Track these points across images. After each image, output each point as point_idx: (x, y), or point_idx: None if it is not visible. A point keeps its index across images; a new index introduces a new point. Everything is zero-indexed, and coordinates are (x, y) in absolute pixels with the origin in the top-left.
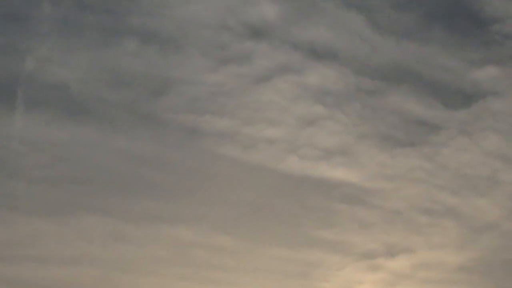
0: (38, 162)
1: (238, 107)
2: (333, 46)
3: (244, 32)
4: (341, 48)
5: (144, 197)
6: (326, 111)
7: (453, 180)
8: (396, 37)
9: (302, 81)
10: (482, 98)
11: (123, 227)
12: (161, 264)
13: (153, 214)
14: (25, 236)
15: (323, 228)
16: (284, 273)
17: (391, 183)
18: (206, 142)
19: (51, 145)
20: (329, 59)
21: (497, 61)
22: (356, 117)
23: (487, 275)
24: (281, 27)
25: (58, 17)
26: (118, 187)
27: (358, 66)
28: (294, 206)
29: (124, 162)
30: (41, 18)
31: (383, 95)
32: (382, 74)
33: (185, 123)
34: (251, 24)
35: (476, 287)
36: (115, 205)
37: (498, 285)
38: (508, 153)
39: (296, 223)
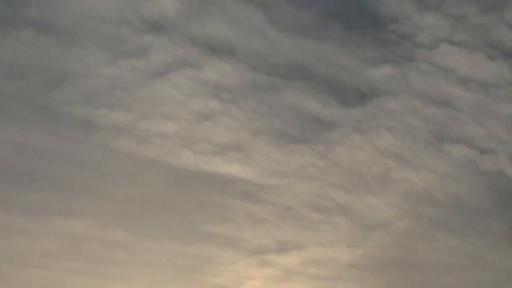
0: None
1: (134, 101)
2: (230, 42)
3: (142, 26)
4: (239, 44)
5: (36, 190)
6: (222, 107)
7: (346, 178)
8: (294, 34)
9: (199, 76)
10: (377, 97)
11: (14, 219)
12: (53, 257)
13: (46, 206)
14: None
15: (216, 223)
16: (177, 267)
17: (284, 179)
18: (102, 135)
19: None
20: (226, 54)
21: (393, 60)
22: (251, 113)
23: (377, 273)
24: (179, 22)
25: None
26: (10, 178)
27: (255, 62)
28: (188, 201)
29: (17, 154)
30: None
31: (279, 92)
32: (279, 71)
33: (81, 116)
34: (150, 18)
35: (366, 284)
36: (6, 196)
37: (387, 283)
38: (401, 152)
39: (190, 218)
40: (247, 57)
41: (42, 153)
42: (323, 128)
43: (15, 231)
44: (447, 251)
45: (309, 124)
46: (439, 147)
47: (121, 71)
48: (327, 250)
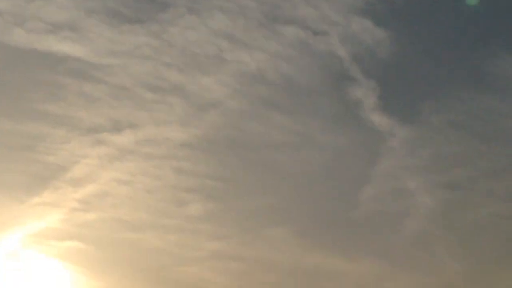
0: None
1: None
2: None
3: None
4: None
5: None
6: None
7: (180, 58)
8: None
9: None
10: None
11: None
12: None
13: None
14: None
15: (49, 102)
16: (9, 146)
17: (118, 59)
18: None
19: None
20: None
21: None
22: None
23: (210, 151)
24: None
25: None
26: None
27: None
28: (19, 79)
29: None
30: None
31: None
32: None
33: None
34: None
35: (199, 162)
36: None
37: (220, 161)
38: (234, 33)
39: (21, 96)
40: None
41: None
42: (157, 8)
43: None
44: (279, 130)
45: (143, 4)
46: (271, 28)
47: None
48: (161, 129)
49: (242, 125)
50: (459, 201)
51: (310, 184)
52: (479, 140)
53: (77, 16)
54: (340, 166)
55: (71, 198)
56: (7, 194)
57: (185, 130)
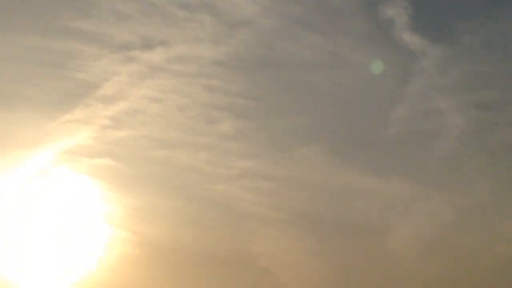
0: None
1: None
2: None
3: None
4: None
5: None
6: None
7: None
8: None
9: None
10: None
11: None
12: None
13: None
14: None
15: (80, 18)
16: (40, 62)
17: None
18: None
19: None
20: None
21: None
22: None
23: (241, 70)
24: None
25: None
26: None
27: None
28: None
29: None
30: None
31: None
32: None
33: None
34: None
35: (230, 80)
36: None
37: (251, 80)
38: None
39: (53, 13)
40: None
41: None
42: None
43: None
44: (311, 49)
45: None
46: None
47: None
48: (192, 47)
49: (273, 43)
50: (490, 122)
51: (341, 103)
52: None
53: None
54: (372, 86)
55: (102, 116)
56: (38, 111)
57: (216, 48)
